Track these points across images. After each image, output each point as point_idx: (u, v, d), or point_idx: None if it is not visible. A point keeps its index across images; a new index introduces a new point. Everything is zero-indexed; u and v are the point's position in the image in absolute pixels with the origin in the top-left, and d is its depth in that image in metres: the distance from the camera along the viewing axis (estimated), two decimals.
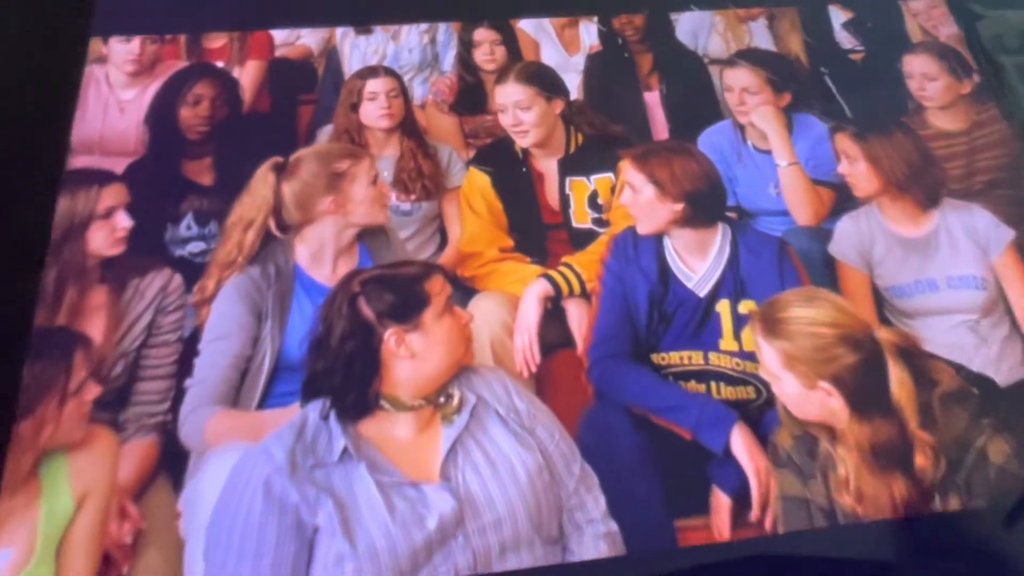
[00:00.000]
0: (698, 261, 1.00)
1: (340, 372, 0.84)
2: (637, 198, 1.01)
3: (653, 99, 1.30)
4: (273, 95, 1.34)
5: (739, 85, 1.17)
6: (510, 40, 1.33)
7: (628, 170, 1.02)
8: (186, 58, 1.31)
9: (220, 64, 1.31)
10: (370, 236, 1.06)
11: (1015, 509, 0.87)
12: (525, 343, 0.99)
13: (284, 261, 1.03)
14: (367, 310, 0.86)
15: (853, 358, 0.82)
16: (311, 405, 0.85)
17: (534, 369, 0.98)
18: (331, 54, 1.36)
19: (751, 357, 0.93)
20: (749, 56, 1.20)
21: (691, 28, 1.37)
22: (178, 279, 1.05)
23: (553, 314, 1.03)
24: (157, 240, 1.11)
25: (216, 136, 1.20)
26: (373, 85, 1.20)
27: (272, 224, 1.02)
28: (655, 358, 0.95)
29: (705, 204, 1.00)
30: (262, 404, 0.95)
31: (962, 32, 1.21)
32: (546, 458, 0.85)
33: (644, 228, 1.01)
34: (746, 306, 0.96)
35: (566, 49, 1.38)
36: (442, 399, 0.85)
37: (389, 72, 1.22)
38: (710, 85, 1.29)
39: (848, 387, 0.83)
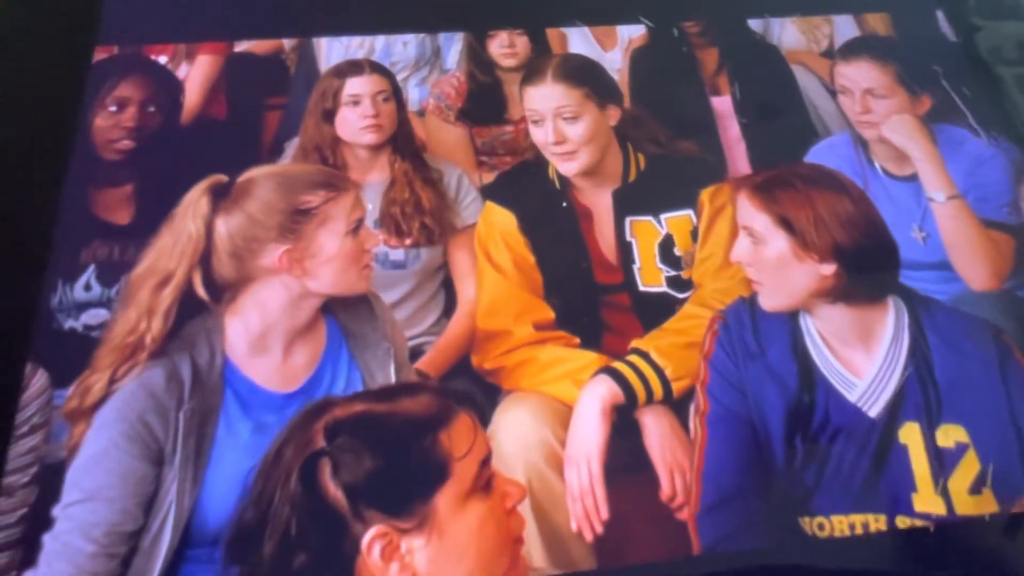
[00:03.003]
0: (862, 358, 0.49)
1: None
2: (761, 252, 0.50)
3: (723, 106, 0.81)
4: (231, 99, 0.80)
5: (860, 85, 0.66)
6: (534, 30, 0.84)
7: (746, 209, 0.52)
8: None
9: (161, 60, 0.81)
10: (344, 306, 0.54)
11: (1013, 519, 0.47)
12: (585, 485, 0.47)
13: (207, 352, 0.50)
14: (334, 487, 0.37)
15: None
16: None
17: (599, 530, 0.47)
18: (305, 47, 0.85)
19: (975, 524, 0.46)
20: (870, 46, 0.72)
21: (759, 20, 0.88)
22: (41, 379, 0.52)
23: (619, 428, 0.53)
24: (32, 305, 0.61)
25: (144, 154, 0.66)
26: (355, 85, 0.66)
27: (197, 281, 0.50)
28: (806, 524, 0.45)
29: (868, 265, 0.50)
30: None
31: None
32: None
33: (772, 300, 0.50)
34: (950, 435, 0.46)
35: (600, 43, 0.88)
36: None
37: (377, 68, 0.69)
38: (795, 87, 0.82)
39: None
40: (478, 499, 0.38)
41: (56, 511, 0.45)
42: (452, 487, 0.38)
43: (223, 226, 0.51)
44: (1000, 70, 0.83)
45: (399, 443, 0.38)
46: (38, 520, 0.45)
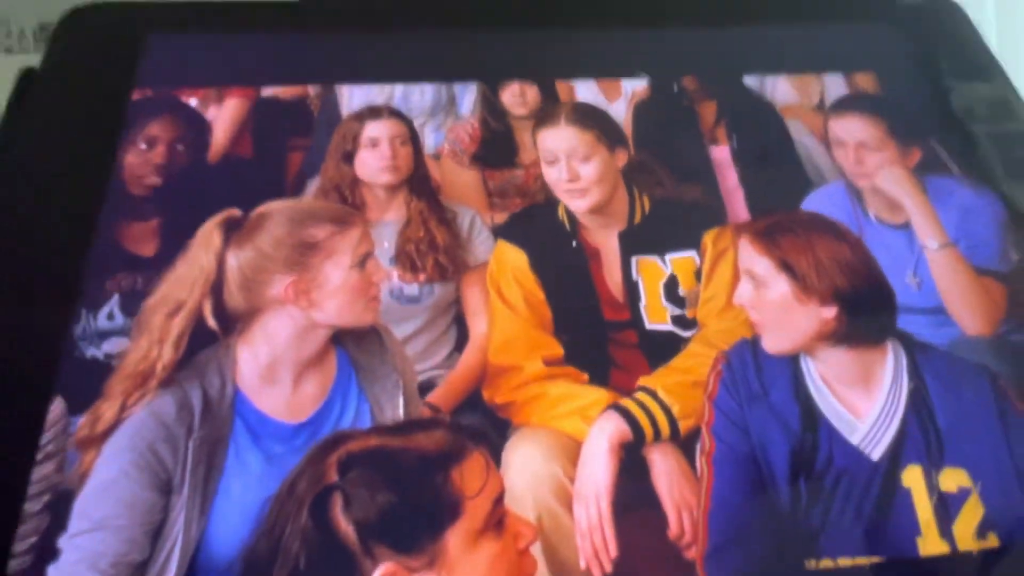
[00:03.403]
0: (862, 400, 0.48)
1: None
2: (763, 295, 0.51)
3: (722, 155, 0.83)
4: (256, 139, 0.83)
5: (853, 139, 0.68)
6: (544, 81, 0.87)
7: (748, 253, 0.52)
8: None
9: (192, 102, 0.83)
10: (354, 339, 0.54)
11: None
12: (594, 522, 0.46)
13: (218, 381, 0.49)
14: (344, 522, 0.37)
15: None
16: None
17: (608, 568, 0.45)
18: (329, 93, 0.88)
19: (979, 564, 0.45)
20: (861, 102, 0.74)
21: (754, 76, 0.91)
22: (59, 406, 0.50)
23: (627, 466, 0.51)
24: (59, 334, 0.61)
25: (171, 190, 0.66)
26: (374, 129, 0.69)
27: (208, 311, 0.50)
28: (813, 566, 0.44)
29: (868, 309, 0.50)
30: None
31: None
32: None
33: (775, 343, 0.50)
34: (953, 479, 0.45)
35: (604, 95, 0.91)
36: None
37: (395, 114, 0.70)
38: (789, 138, 0.84)
39: None
40: (490, 539, 0.37)
41: (62, 542, 0.44)
42: (463, 526, 0.37)
43: (233, 259, 0.51)
44: (973, 127, 0.85)
45: (411, 479, 0.37)
46: (46, 551, 0.44)
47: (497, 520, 0.38)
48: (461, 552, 0.36)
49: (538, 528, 0.45)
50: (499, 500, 0.38)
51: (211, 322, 0.50)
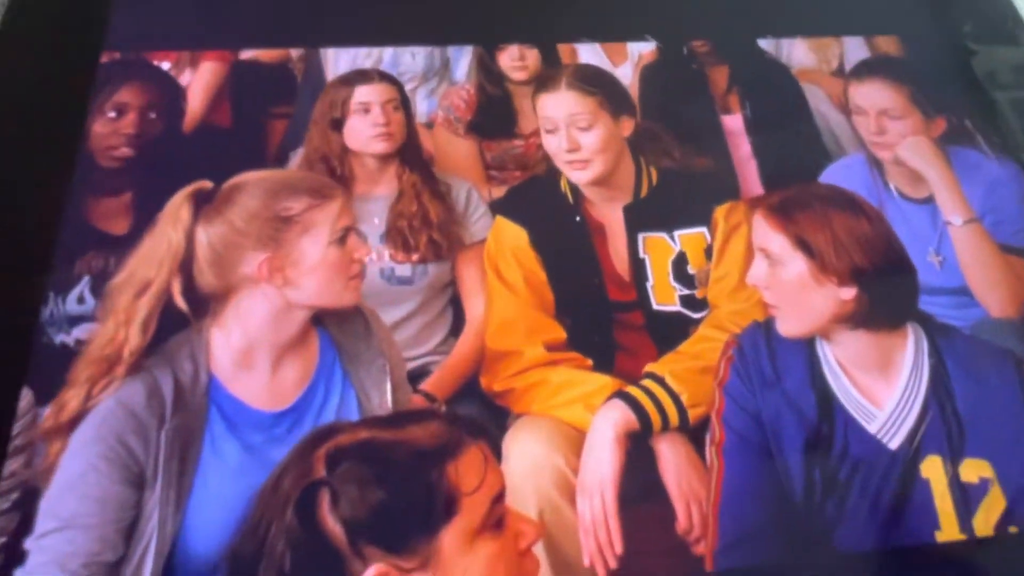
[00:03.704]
0: (881, 386, 0.46)
1: None
2: (778, 275, 0.47)
3: (734, 124, 0.79)
4: (235, 107, 0.78)
5: (875, 106, 0.63)
6: (545, 44, 0.81)
7: (762, 229, 0.49)
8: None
9: (164, 66, 0.78)
10: (337, 320, 0.51)
11: None
12: (598, 516, 0.45)
13: (191, 368, 0.46)
14: (332, 521, 0.34)
15: None
16: None
17: (613, 565, 0.44)
18: (312, 56, 0.83)
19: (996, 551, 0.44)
20: (884, 66, 0.70)
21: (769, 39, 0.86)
22: (27, 397, 0.48)
23: (633, 457, 0.48)
24: (26, 319, 0.57)
25: (143, 162, 0.62)
26: (365, 93, 0.64)
27: (177, 291, 0.47)
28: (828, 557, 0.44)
29: (888, 289, 0.47)
30: None
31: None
32: None
33: (791, 326, 0.47)
34: (974, 469, 0.43)
35: (609, 58, 0.86)
36: None
37: (386, 77, 0.66)
38: (806, 106, 0.79)
39: None
40: (488, 538, 0.35)
41: (29, 543, 0.41)
42: (459, 525, 0.34)
43: (203, 235, 0.47)
44: (996, 95, 0.81)
45: (404, 475, 0.35)
46: (13, 553, 0.41)
47: (496, 519, 0.35)
48: (457, 552, 0.34)
49: (540, 526, 0.44)
50: (499, 498, 0.36)
51: (180, 302, 0.46)
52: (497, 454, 0.38)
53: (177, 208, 0.48)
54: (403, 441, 0.36)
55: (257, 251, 0.47)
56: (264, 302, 0.47)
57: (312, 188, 0.50)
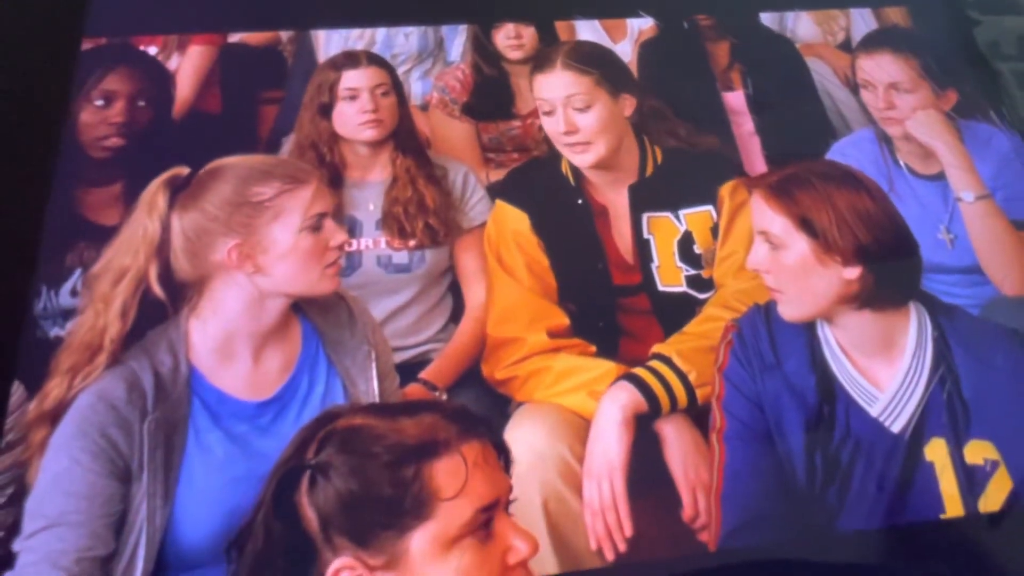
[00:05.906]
0: (883, 368, 0.47)
1: None
2: (780, 258, 0.48)
3: (736, 101, 0.80)
4: (225, 92, 0.78)
5: (883, 80, 0.64)
6: (542, 21, 0.81)
7: (761, 211, 0.49)
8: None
9: (151, 51, 0.78)
10: (319, 309, 0.51)
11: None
12: (607, 500, 0.46)
13: (170, 359, 0.47)
14: (308, 505, 0.35)
15: None
16: None
17: (622, 548, 0.45)
18: (303, 38, 0.83)
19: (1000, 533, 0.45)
20: (893, 38, 0.70)
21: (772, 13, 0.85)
22: (19, 391, 0.49)
23: (637, 440, 0.50)
24: (18, 314, 0.58)
25: (133, 151, 0.64)
26: (352, 79, 0.64)
27: (153, 278, 0.47)
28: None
29: (892, 267, 0.48)
30: None
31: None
32: None
33: (794, 309, 0.48)
34: (979, 451, 0.45)
35: (608, 34, 0.86)
36: None
37: (375, 60, 0.66)
38: (811, 81, 0.80)
39: None
40: (469, 548, 0.34)
41: (17, 545, 0.42)
42: (433, 529, 0.34)
43: (178, 222, 0.49)
44: (998, 65, 0.81)
45: (378, 469, 0.35)
46: (4, 555, 0.43)
47: (482, 528, 0.35)
48: (427, 557, 0.34)
49: (544, 512, 0.45)
50: (489, 507, 0.35)
51: (156, 289, 0.47)
52: (505, 458, 0.38)
53: (153, 195, 0.49)
54: (388, 433, 0.36)
55: (228, 238, 0.48)
56: (237, 290, 0.48)
57: (285, 174, 0.51)
